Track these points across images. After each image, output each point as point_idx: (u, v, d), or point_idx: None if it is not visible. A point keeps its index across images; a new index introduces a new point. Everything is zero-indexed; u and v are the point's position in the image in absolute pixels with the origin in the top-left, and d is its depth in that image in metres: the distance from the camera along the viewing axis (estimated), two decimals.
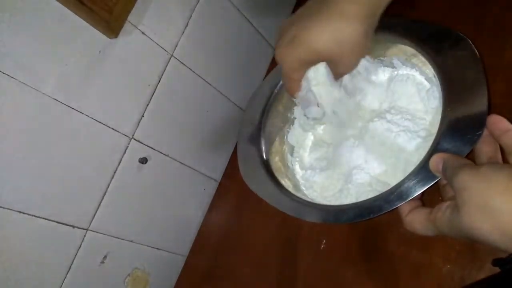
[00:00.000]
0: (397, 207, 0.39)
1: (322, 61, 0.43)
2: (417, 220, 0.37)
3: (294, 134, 0.58)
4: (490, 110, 0.38)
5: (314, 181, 0.53)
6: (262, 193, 0.50)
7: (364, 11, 0.38)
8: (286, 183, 0.52)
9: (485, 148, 0.37)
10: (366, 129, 0.50)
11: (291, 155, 0.58)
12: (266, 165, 0.54)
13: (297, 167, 0.57)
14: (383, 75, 0.53)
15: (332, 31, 0.39)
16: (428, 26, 0.46)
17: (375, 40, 0.41)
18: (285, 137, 0.58)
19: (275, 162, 0.55)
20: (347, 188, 0.49)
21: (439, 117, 0.41)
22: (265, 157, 0.54)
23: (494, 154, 0.37)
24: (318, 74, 0.44)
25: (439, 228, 0.35)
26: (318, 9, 0.40)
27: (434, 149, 0.39)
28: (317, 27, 0.39)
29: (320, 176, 0.53)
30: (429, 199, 0.40)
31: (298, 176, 0.56)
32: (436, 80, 0.44)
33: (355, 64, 0.43)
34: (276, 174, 0.53)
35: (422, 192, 0.38)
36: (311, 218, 0.45)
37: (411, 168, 0.40)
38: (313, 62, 0.43)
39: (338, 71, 0.44)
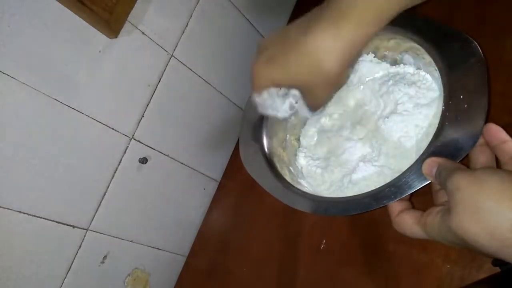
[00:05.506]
0: (386, 205, 0.39)
1: (295, 88, 0.40)
2: (406, 222, 0.38)
3: (297, 123, 0.58)
4: (490, 110, 0.38)
5: (315, 172, 0.54)
6: (258, 178, 0.51)
7: (343, 43, 0.35)
8: (284, 171, 0.53)
9: (480, 157, 0.37)
10: (370, 128, 0.51)
11: (294, 144, 0.57)
12: (266, 152, 0.54)
13: (298, 156, 0.57)
14: (384, 72, 0.53)
15: (308, 61, 0.36)
16: (436, 26, 0.45)
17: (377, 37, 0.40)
18: (288, 125, 0.58)
19: (276, 149, 0.55)
20: (347, 180, 0.49)
21: (437, 120, 0.41)
22: (266, 144, 0.54)
23: (489, 164, 0.36)
24: None
25: (428, 231, 0.35)
26: (297, 34, 0.36)
27: (429, 152, 0.39)
28: (295, 54, 0.36)
29: (321, 167, 0.53)
30: (419, 202, 0.41)
31: (298, 165, 0.56)
32: (439, 83, 0.44)
33: (328, 97, 0.40)
34: (275, 161, 0.53)
35: (411, 194, 0.38)
36: (302, 207, 0.46)
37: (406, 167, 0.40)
38: (286, 86, 0.41)
39: (309, 102, 0.41)
